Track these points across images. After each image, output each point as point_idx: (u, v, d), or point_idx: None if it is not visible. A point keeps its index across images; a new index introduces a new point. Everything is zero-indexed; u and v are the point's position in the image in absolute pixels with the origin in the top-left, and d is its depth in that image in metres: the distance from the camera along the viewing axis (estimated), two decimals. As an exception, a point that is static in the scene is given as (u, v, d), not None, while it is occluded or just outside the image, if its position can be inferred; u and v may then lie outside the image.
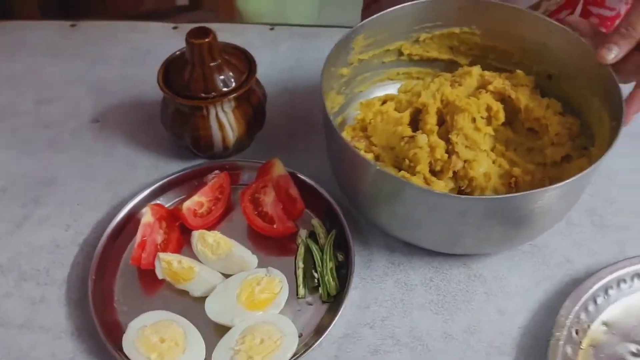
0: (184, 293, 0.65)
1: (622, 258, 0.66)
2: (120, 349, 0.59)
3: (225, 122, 0.73)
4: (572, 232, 0.71)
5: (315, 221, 0.70)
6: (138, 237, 0.67)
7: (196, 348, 0.60)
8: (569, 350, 0.60)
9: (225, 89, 0.72)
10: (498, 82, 0.73)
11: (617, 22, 0.67)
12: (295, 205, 0.71)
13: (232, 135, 0.74)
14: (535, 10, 0.82)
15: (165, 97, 0.75)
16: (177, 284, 0.64)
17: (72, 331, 0.63)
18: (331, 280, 0.65)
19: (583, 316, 0.62)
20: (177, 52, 0.75)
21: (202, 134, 0.73)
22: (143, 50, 0.95)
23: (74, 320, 0.64)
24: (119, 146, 0.81)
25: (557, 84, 0.74)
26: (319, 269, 0.66)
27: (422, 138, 0.68)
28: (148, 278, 0.66)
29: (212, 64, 0.71)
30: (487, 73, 0.74)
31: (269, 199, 0.71)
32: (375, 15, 0.71)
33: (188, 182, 0.74)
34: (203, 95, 0.71)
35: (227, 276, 0.65)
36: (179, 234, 0.70)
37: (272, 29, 0.99)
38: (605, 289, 0.64)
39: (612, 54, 0.63)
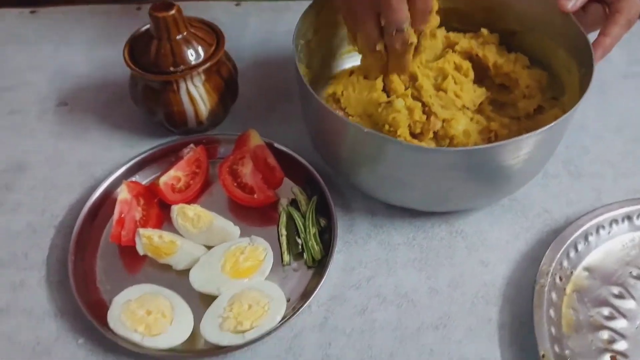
0: (167, 267, 0.64)
1: (599, 205, 0.67)
2: (106, 324, 0.58)
3: (196, 95, 0.72)
4: (550, 184, 0.72)
5: (296, 189, 0.70)
6: (116, 215, 0.66)
7: (184, 318, 0.59)
8: (554, 296, 0.61)
9: (194, 63, 0.71)
10: (464, 42, 0.73)
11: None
12: (275, 174, 0.70)
13: (204, 109, 0.74)
14: None
15: (133, 75, 0.74)
16: (159, 259, 0.64)
17: (55, 312, 0.62)
18: (315, 245, 0.65)
19: (565, 263, 0.63)
20: (142, 29, 0.74)
21: (175, 109, 0.72)
22: (107, 33, 0.93)
23: (56, 302, 0.62)
24: (91, 128, 0.79)
25: (522, 39, 0.74)
26: (302, 235, 0.66)
27: (398, 102, 0.67)
28: (130, 256, 0.65)
29: (178, 37, 0.70)
30: (452, 34, 0.75)
31: (247, 170, 0.70)
32: None
33: (164, 159, 0.73)
34: (172, 69, 0.70)
35: (209, 248, 0.64)
36: (159, 210, 0.69)
37: (238, 4, 0.98)
38: (585, 236, 0.65)
39: (572, 1, 0.65)
